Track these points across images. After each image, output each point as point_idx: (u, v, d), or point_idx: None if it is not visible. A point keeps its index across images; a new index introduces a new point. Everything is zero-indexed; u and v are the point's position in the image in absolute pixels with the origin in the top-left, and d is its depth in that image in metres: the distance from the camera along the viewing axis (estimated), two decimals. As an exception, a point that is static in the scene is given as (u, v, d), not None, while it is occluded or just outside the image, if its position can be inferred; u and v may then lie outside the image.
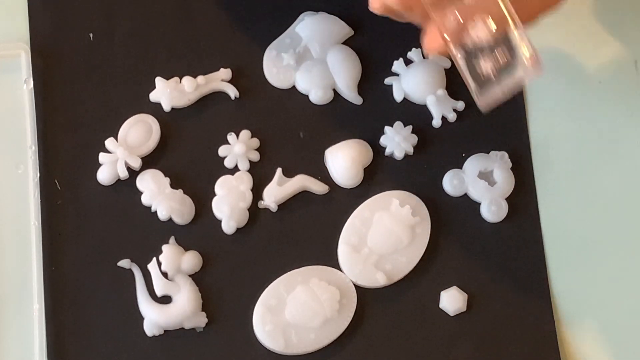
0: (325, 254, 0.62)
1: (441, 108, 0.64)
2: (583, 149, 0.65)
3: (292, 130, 0.64)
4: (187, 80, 0.63)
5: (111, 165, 0.61)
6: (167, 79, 0.63)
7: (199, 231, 0.62)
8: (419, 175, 0.63)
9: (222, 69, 0.64)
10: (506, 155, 0.64)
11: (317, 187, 0.63)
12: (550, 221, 0.64)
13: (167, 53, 0.64)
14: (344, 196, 0.63)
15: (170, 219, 0.61)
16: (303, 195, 0.63)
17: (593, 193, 0.64)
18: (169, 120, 0.63)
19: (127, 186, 0.62)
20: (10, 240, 0.61)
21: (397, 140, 0.63)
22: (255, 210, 0.62)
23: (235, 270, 0.61)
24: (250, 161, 0.63)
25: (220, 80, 0.64)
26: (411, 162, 0.64)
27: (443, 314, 0.62)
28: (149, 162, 0.62)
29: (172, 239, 0.61)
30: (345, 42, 0.65)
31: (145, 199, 0.61)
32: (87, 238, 0.61)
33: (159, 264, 0.61)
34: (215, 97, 0.64)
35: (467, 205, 0.63)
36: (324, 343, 0.60)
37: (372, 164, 0.63)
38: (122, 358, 0.60)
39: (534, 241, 0.63)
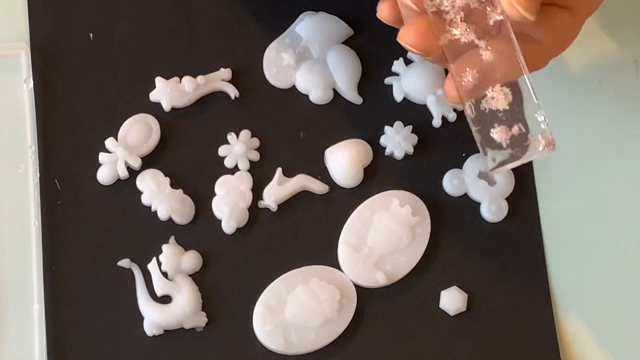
0: (325, 254, 0.62)
1: (441, 108, 0.64)
2: (583, 149, 0.65)
3: (292, 130, 0.64)
4: (187, 80, 0.63)
5: (111, 165, 0.61)
6: (167, 79, 0.63)
7: (199, 231, 0.62)
8: (419, 175, 0.63)
9: (222, 69, 0.64)
10: (506, 155, 0.64)
11: (317, 187, 0.63)
12: (550, 221, 0.64)
13: (167, 53, 0.64)
14: (344, 196, 0.63)
15: (170, 219, 0.61)
16: (303, 195, 0.63)
17: (593, 193, 0.64)
18: (169, 120, 0.63)
19: (127, 186, 0.62)
20: (10, 240, 0.61)
21: (397, 140, 0.63)
22: (255, 210, 0.62)
23: (235, 270, 0.61)
24: (250, 161, 0.63)
25: (220, 80, 0.64)
26: (411, 162, 0.64)
27: (443, 314, 0.62)
28: (149, 162, 0.62)
29: (172, 239, 0.61)
30: (345, 42, 0.65)
31: (145, 199, 0.61)
32: (87, 238, 0.61)
33: (159, 263, 0.60)
34: (215, 97, 0.64)
35: (467, 205, 0.63)
36: (324, 343, 0.60)
37: (372, 164, 0.63)
38: (122, 358, 0.60)
39: (534, 241, 0.63)
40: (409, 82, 0.64)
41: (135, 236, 0.61)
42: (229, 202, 0.61)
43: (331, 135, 0.63)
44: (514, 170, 0.63)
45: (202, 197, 0.62)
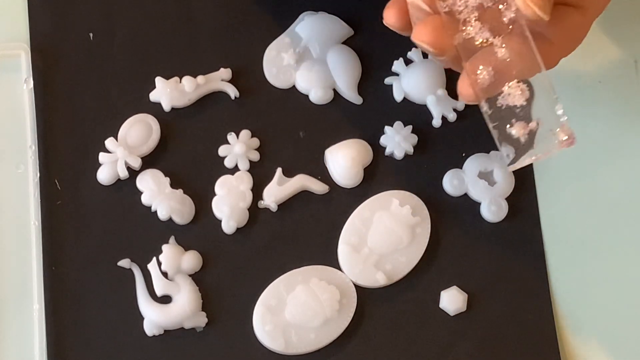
0: (325, 254, 0.62)
1: (441, 108, 0.64)
2: (583, 148, 0.65)
3: (292, 130, 0.64)
4: (187, 80, 0.63)
5: (111, 165, 0.61)
6: (167, 79, 0.63)
7: (199, 231, 0.62)
8: (419, 175, 0.63)
9: (222, 69, 0.64)
10: (506, 155, 0.64)
11: (317, 187, 0.63)
12: (550, 221, 0.64)
13: (167, 53, 0.64)
14: (344, 196, 0.63)
15: (170, 219, 0.61)
16: (303, 195, 0.63)
17: (593, 193, 0.64)
18: (169, 120, 0.63)
19: (127, 186, 0.62)
20: (10, 240, 0.61)
21: (397, 140, 0.63)
22: (255, 210, 0.62)
23: (235, 270, 0.61)
24: (250, 161, 0.63)
25: (220, 80, 0.64)
26: (411, 162, 0.64)
27: (443, 314, 0.62)
28: (149, 162, 0.62)
29: (172, 239, 0.61)
30: (345, 42, 0.65)
31: (145, 199, 0.61)
32: (87, 238, 0.61)
33: (159, 263, 0.61)
34: (215, 97, 0.64)
35: (467, 205, 0.63)
36: (324, 343, 0.60)
37: (372, 164, 0.63)
38: (122, 358, 0.60)
39: (534, 241, 0.63)
40: (409, 82, 0.64)
41: (135, 236, 0.61)
42: (229, 202, 0.61)
43: (331, 135, 0.63)
44: (514, 170, 0.63)
45: (202, 197, 0.62)
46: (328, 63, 0.64)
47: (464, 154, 0.64)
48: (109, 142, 0.62)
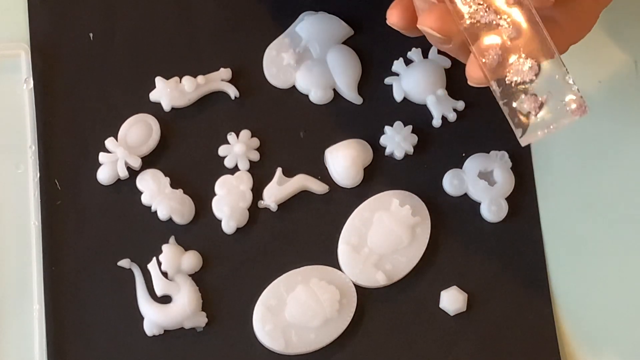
0: (325, 254, 0.62)
1: (441, 108, 0.64)
2: (583, 149, 0.65)
3: (292, 130, 0.64)
4: (187, 80, 0.63)
5: (111, 165, 0.61)
6: (167, 79, 0.63)
7: (199, 231, 0.62)
8: (419, 175, 0.63)
9: (222, 69, 0.64)
10: (506, 155, 0.64)
11: (317, 187, 0.63)
12: (550, 221, 0.64)
13: (167, 53, 0.64)
14: (344, 196, 0.63)
15: (170, 219, 0.61)
16: (303, 195, 0.63)
17: (593, 193, 0.64)
18: (169, 120, 0.63)
19: (127, 186, 0.62)
20: (10, 240, 0.61)
21: (397, 140, 0.63)
22: (255, 210, 0.62)
23: (235, 270, 0.61)
24: (250, 161, 0.63)
25: (220, 80, 0.64)
26: (411, 162, 0.64)
27: (443, 314, 0.62)
28: (149, 162, 0.62)
29: (172, 239, 0.61)
30: (345, 42, 0.65)
31: (145, 199, 0.61)
32: (87, 238, 0.61)
33: (159, 263, 0.61)
34: (215, 97, 0.64)
35: (467, 205, 0.63)
36: (324, 343, 0.60)
37: (372, 164, 0.63)
38: (122, 358, 0.60)
39: (534, 241, 0.63)
40: (409, 82, 0.64)
41: (135, 236, 0.61)
42: (229, 202, 0.61)
43: (331, 135, 0.63)
44: (514, 170, 0.63)
45: (202, 197, 0.62)
46: (328, 63, 0.64)
47: (464, 154, 0.64)
48: (109, 142, 0.62)
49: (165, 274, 0.60)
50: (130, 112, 0.63)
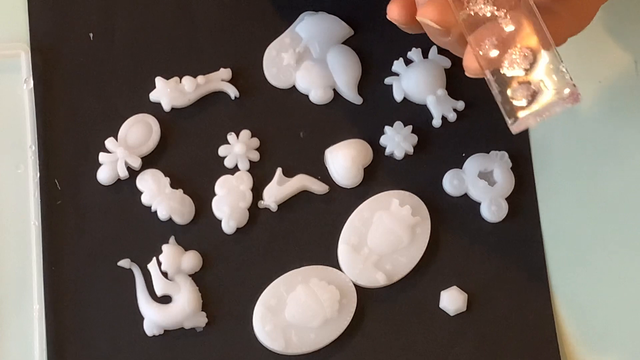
0: (325, 254, 0.62)
1: (441, 108, 0.64)
2: (583, 149, 0.65)
3: (292, 130, 0.64)
4: (187, 80, 0.63)
5: (111, 165, 0.61)
6: (167, 79, 0.63)
7: (199, 231, 0.62)
8: (419, 175, 0.63)
9: (222, 69, 0.64)
10: (506, 155, 0.64)
11: (317, 187, 0.63)
12: (550, 221, 0.64)
13: (167, 53, 0.64)
14: (344, 196, 0.63)
15: (170, 219, 0.61)
16: (303, 195, 0.63)
17: (593, 193, 0.64)
18: (169, 120, 0.63)
19: (127, 186, 0.62)
20: (10, 240, 0.61)
21: (397, 140, 0.63)
22: (255, 210, 0.62)
23: (235, 270, 0.61)
24: (250, 161, 0.63)
25: (220, 80, 0.64)
26: (411, 162, 0.64)
27: (443, 314, 0.62)
28: (149, 162, 0.62)
29: (172, 239, 0.61)
30: (345, 42, 0.65)
31: (145, 199, 0.61)
32: (87, 238, 0.61)
33: (159, 263, 0.61)
34: (215, 97, 0.64)
35: (467, 205, 0.63)
36: (324, 343, 0.60)
37: (372, 164, 0.63)
38: (122, 358, 0.60)
39: (534, 241, 0.63)
40: (409, 82, 0.64)
41: (135, 236, 0.61)
42: (229, 202, 0.61)
43: (331, 135, 0.63)
44: (514, 170, 0.63)
45: (202, 197, 0.62)
46: (328, 63, 0.64)
47: (464, 154, 0.64)
48: (109, 142, 0.62)
49: (165, 274, 0.60)
50: (130, 112, 0.63)
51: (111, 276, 0.61)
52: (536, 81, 0.50)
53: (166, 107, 0.63)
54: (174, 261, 0.60)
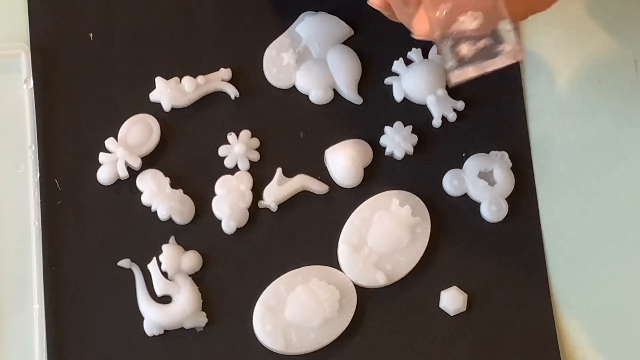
0: (325, 254, 0.62)
1: (441, 108, 0.64)
2: (583, 148, 0.65)
3: (292, 130, 0.64)
4: (187, 80, 0.63)
5: (111, 165, 0.61)
6: (167, 79, 0.63)
7: (199, 231, 0.62)
8: (419, 175, 0.63)
9: (222, 69, 0.64)
10: (506, 155, 0.64)
11: (317, 187, 0.63)
12: (550, 221, 0.64)
13: (167, 53, 0.64)
14: (344, 196, 0.63)
15: (170, 219, 0.61)
16: (303, 195, 0.63)
17: (593, 193, 0.64)
18: (169, 120, 0.63)
19: (127, 186, 0.62)
20: (10, 240, 0.61)
21: (397, 140, 0.63)
22: (255, 210, 0.62)
23: (235, 270, 0.61)
24: (250, 161, 0.63)
25: (220, 80, 0.64)
26: (411, 162, 0.64)
27: (443, 314, 0.62)
28: (149, 162, 0.62)
29: (172, 239, 0.61)
30: (345, 42, 0.65)
31: (145, 199, 0.61)
32: (87, 238, 0.61)
33: (159, 263, 0.61)
34: (215, 97, 0.64)
35: (467, 205, 0.63)
36: (324, 343, 0.60)
37: (372, 164, 0.63)
38: (122, 358, 0.60)
39: (534, 241, 0.63)
40: (409, 82, 0.64)
41: (135, 236, 0.61)
42: (229, 202, 0.61)
43: (331, 135, 0.63)
44: (514, 170, 0.63)
45: (202, 197, 0.62)
46: (328, 63, 0.64)
47: (464, 154, 0.64)
48: (109, 142, 0.62)
49: (165, 274, 0.60)
50: (130, 112, 0.63)
51: (111, 276, 0.61)
52: (482, 38, 0.51)
53: (166, 107, 0.63)
54: (174, 261, 0.60)
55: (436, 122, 0.64)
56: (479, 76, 0.51)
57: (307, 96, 0.64)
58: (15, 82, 0.63)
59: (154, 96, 0.63)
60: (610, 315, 0.63)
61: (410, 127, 0.64)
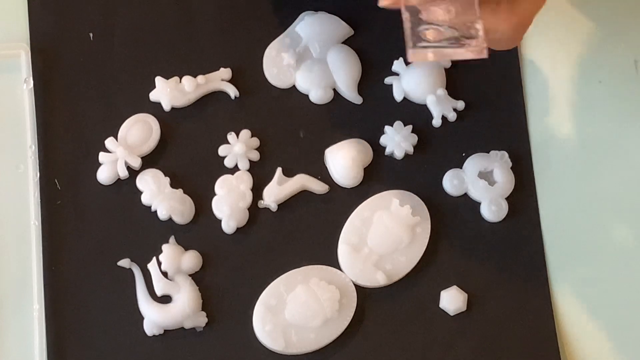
0: (325, 254, 0.62)
1: (441, 108, 0.64)
2: (583, 148, 0.65)
3: (292, 130, 0.64)
4: (187, 80, 0.63)
5: (111, 165, 0.61)
6: (167, 78, 0.63)
7: (199, 231, 0.62)
8: (419, 175, 0.63)
9: (222, 69, 0.64)
10: (506, 155, 0.64)
11: (317, 186, 0.63)
12: (550, 221, 0.64)
13: (167, 53, 0.64)
14: (344, 196, 0.63)
15: (170, 219, 0.61)
16: (303, 195, 0.63)
17: (593, 193, 0.64)
18: (169, 120, 0.63)
19: (127, 186, 0.62)
20: (10, 240, 0.61)
21: (397, 140, 0.63)
22: (255, 210, 0.62)
23: (235, 270, 0.61)
24: (250, 161, 0.63)
25: (220, 80, 0.64)
26: (411, 162, 0.64)
27: (443, 313, 0.62)
28: (149, 161, 0.62)
29: (172, 239, 0.61)
30: (345, 42, 0.65)
31: (145, 199, 0.61)
32: (87, 238, 0.61)
33: (159, 263, 0.60)
34: (215, 97, 0.64)
35: (467, 205, 0.63)
36: (324, 343, 0.60)
37: (372, 164, 0.63)
38: (122, 358, 0.60)
39: (534, 241, 0.63)
40: (409, 82, 0.64)
41: (135, 236, 0.61)
42: (229, 202, 0.61)
43: (331, 135, 0.63)
44: (514, 170, 0.63)
45: (202, 197, 0.62)
46: (328, 63, 0.64)
47: (464, 154, 0.64)
48: (109, 142, 0.62)
49: (165, 274, 0.60)
50: (130, 112, 0.63)
51: (111, 276, 0.61)
52: (449, 30, 0.51)
53: (166, 107, 0.63)
54: (174, 261, 0.60)
55: (436, 122, 0.64)
56: (435, 60, 0.51)
57: (307, 96, 0.64)
58: (15, 82, 0.63)
59: (154, 96, 0.63)
60: (610, 315, 0.63)
61: (410, 127, 0.64)
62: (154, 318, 0.60)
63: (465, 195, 0.63)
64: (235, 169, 0.62)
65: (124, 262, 0.61)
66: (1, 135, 0.62)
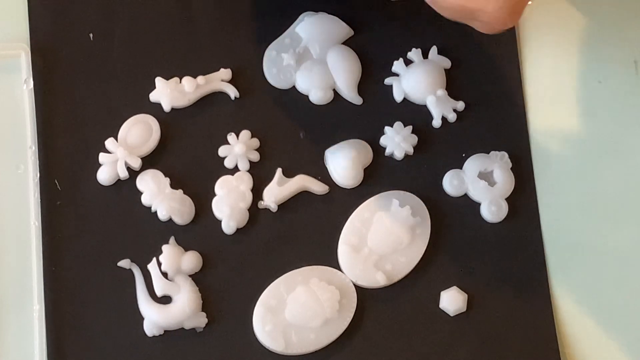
0: (325, 254, 0.62)
1: (441, 108, 0.64)
2: (583, 149, 0.65)
3: (292, 130, 0.64)
4: (187, 80, 0.63)
5: (111, 165, 0.61)
6: (167, 79, 0.63)
7: (199, 231, 0.62)
8: (419, 175, 0.63)
9: (222, 69, 0.64)
10: (506, 155, 0.64)
11: (317, 187, 0.63)
12: (550, 221, 0.64)
13: (167, 53, 0.64)
14: (344, 196, 0.63)
15: (170, 219, 0.61)
16: (303, 195, 0.63)
17: (593, 193, 0.64)
18: (169, 120, 0.63)
19: (127, 186, 0.62)
20: (10, 240, 0.61)
21: (397, 140, 0.63)
22: (255, 210, 0.62)
23: (235, 270, 0.61)
24: (250, 161, 0.63)
25: (220, 80, 0.64)
26: (411, 162, 0.64)
27: (443, 314, 0.62)
28: (149, 162, 0.62)
29: (172, 239, 0.61)
30: (345, 42, 0.65)
31: (145, 199, 0.61)
32: (87, 238, 0.61)
33: (159, 264, 0.61)
34: (215, 97, 0.64)
35: (467, 205, 0.63)
36: (324, 343, 0.60)
37: (372, 164, 0.63)
38: (122, 358, 0.60)
39: (534, 241, 0.63)
40: (409, 82, 0.64)
41: (135, 236, 0.61)
42: (229, 202, 0.61)
43: (331, 136, 0.63)
44: (514, 170, 0.63)
45: (202, 197, 0.62)
46: (328, 63, 0.64)
47: (464, 154, 0.64)
48: (109, 143, 0.62)
49: (165, 275, 0.60)
50: (130, 113, 0.63)
51: (111, 276, 0.61)
52: None
53: (166, 107, 0.63)
54: (174, 261, 0.60)
55: (436, 123, 0.64)
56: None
57: (307, 96, 0.64)
58: (15, 82, 0.63)
59: (154, 96, 0.63)
60: (610, 315, 0.63)
61: (410, 128, 0.64)
62: (154, 318, 0.60)
63: (465, 195, 0.63)
64: (235, 170, 0.62)
65: (124, 263, 0.61)
66: (1, 136, 0.62)
